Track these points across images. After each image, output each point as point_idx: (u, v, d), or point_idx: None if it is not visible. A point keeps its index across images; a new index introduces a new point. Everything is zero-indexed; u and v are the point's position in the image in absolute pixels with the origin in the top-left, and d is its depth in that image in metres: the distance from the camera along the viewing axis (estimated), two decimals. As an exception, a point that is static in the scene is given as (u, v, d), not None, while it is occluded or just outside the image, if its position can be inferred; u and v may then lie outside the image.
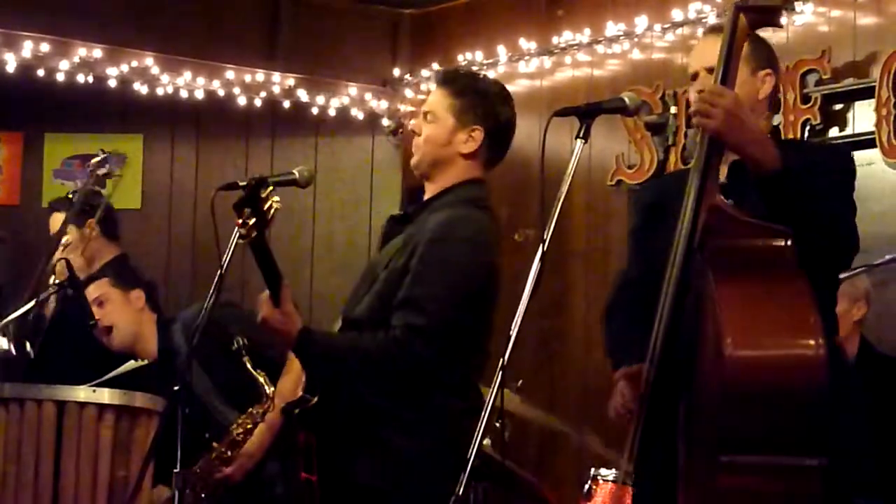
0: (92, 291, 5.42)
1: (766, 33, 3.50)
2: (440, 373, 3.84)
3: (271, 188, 3.59)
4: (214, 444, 4.95)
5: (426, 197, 4.03)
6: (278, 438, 5.00)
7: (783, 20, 3.40)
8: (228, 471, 4.96)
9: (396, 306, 3.82)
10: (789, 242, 3.10)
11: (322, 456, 3.89)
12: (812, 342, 2.94)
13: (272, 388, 4.75)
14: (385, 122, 7.60)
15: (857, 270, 4.91)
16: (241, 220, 3.57)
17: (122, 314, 5.38)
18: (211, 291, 3.79)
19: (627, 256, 3.73)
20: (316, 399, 3.88)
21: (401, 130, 7.70)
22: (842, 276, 4.74)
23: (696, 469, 3.09)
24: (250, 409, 4.90)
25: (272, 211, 3.58)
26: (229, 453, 4.94)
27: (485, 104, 4.00)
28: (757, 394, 2.91)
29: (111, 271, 5.55)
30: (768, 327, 2.97)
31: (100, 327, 5.37)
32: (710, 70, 3.47)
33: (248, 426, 4.91)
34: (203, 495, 4.93)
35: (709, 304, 3.04)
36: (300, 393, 3.97)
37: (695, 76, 3.55)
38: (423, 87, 7.59)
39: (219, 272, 3.73)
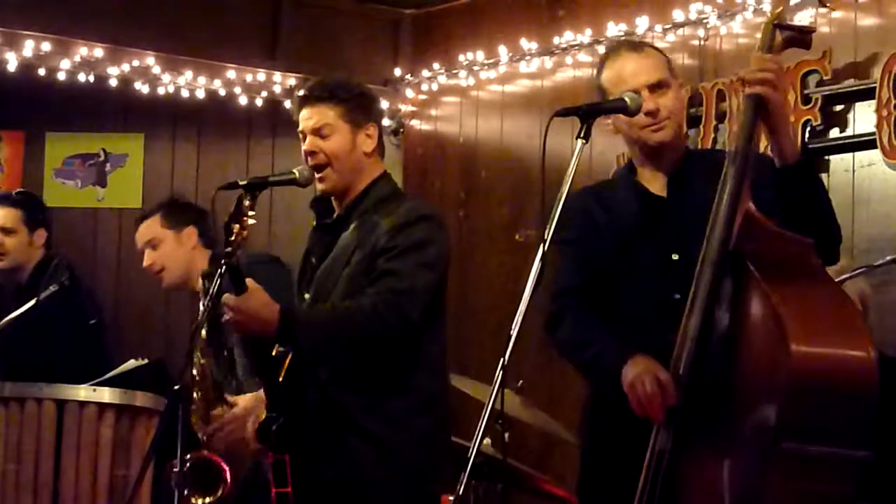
0: (144, 233, 5.33)
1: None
2: (421, 350, 3.90)
3: (248, 202, 3.65)
4: (195, 394, 4.78)
5: (338, 204, 4.10)
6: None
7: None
8: (214, 426, 4.77)
9: (374, 280, 3.87)
10: (814, 251, 3.21)
11: (299, 468, 3.88)
12: (867, 341, 3.08)
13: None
14: (386, 121, 7.60)
15: (858, 271, 4.90)
16: (232, 240, 3.63)
17: (173, 255, 5.29)
18: (213, 286, 3.78)
19: (561, 266, 3.72)
20: (282, 418, 3.88)
21: (402, 130, 7.71)
22: (843, 277, 4.76)
23: (734, 461, 3.14)
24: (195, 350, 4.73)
25: (247, 230, 3.66)
26: (204, 395, 4.75)
27: (366, 101, 4.13)
28: (820, 389, 3.01)
29: (163, 208, 5.45)
30: (827, 325, 3.08)
31: (152, 270, 5.30)
32: (652, 87, 3.57)
33: (200, 364, 4.72)
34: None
35: (758, 303, 3.11)
36: (263, 415, 3.95)
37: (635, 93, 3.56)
38: (424, 86, 7.59)
39: (218, 271, 3.73)
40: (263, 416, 3.91)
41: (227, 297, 3.77)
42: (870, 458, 3.05)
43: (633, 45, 3.75)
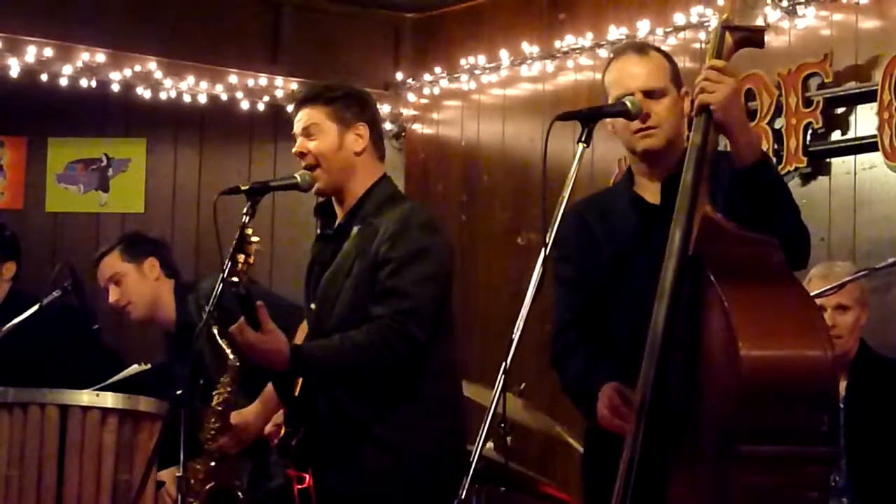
0: (106, 270, 5.35)
1: (766, 36, 3.49)
2: (430, 356, 3.91)
3: (251, 231, 3.67)
4: (204, 423, 4.84)
5: (340, 210, 4.10)
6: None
7: (778, 36, 3.45)
8: (222, 441, 4.82)
9: (376, 299, 3.87)
10: (777, 249, 3.20)
11: (317, 480, 3.90)
12: (822, 341, 3.05)
13: (234, 357, 4.65)
14: (387, 125, 7.60)
15: (860, 274, 4.91)
16: (238, 270, 3.64)
17: (138, 288, 5.32)
18: (214, 296, 3.78)
19: (557, 297, 3.74)
20: (301, 432, 3.89)
21: (403, 134, 7.71)
22: (845, 279, 4.77)
23: (702, 468, 3.14)
24: (221, 379, 4.80)
25: (254, 255, 3.68)
26: (218, 424, 4.84)
27: (356, 101, 4.12)
28: (772, 390, 3.00)
29: (121, 243, 5.46)
30: (779, 327, 3.06)
31: (118, 305, 5.32)
32: (647, 94, 3.56)
33: (225, 395, 4.79)
34: (213, 465, 4.83)
35: (714, 308, 3.10)
36: (282, 430, 3.97)
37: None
38: (426, 90, 7.60)
39: (220, 276, 3.74)
40: (283, 432, 3.94)
41: (243, 331, 3.78)
42: (833, 453, 3.07)
43: (639, 48, 3.72)
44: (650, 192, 3.61)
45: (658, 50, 3.76)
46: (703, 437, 3.14)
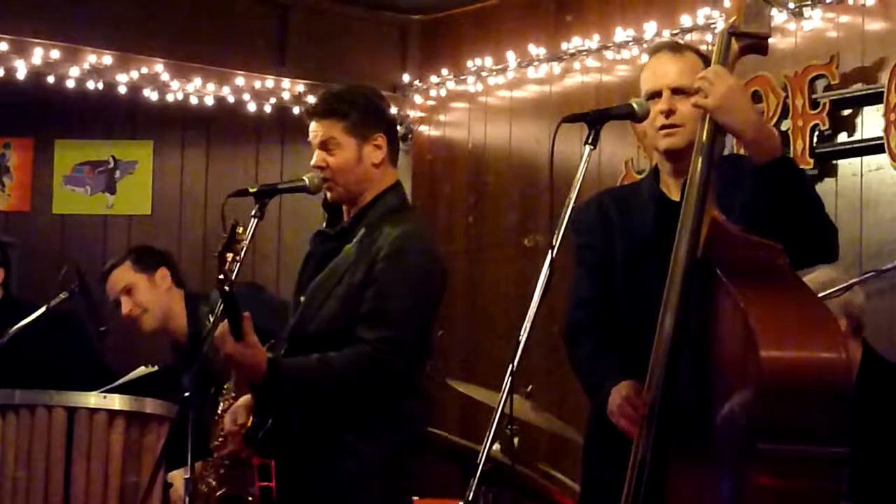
0: (118, 280, 5.33)
1: (772, 38, 3.49)
2: (407, 380, 3.91)
3: (242, 230, 3.65)
4: (213, 430, 4.84)
5: (348, 212, 4.09)
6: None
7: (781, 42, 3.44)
8: (231, 446, 4.81)
9: (362, 319, 3.85)
10: (782, 253, 3.20)
11: (282, 473, 3.89)
12: (836, 342, 3.08)
13: None
14: (395, 127, 7.61)
15: (867, 276, 4.90)
16: (226, 267, 3.64)
17: (151, 297, 5.30)
18: (219, 303, 3.78)
19: (578, 274, 3.74)
20: (270, 422, 3.88)
21: (410, 136, 7.72)
22: (852, 282, 4.75)
23: (710, 469, 3.15)
24: (226, 385, 4.79)
25: (243, 252, 3.67)
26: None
27: (372, 111, 4.07)
28: (792, 391, 3.01)
29: (131, 255, 5.45)
30: (796, 329, 3.09)
31: (131, 315, 5.30)
32: (674, 91, 3.54)
33: (230, 401, 4.79)
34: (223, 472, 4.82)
35: (727, 309, 3.11)
36: (250, 419, 3.96)
37: (657, 94, 3.57)
38: (433, 92, 7.60)
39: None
40: (250, 422, 3.94)
41: (224, 340, 3.76)
42: (848, 454, 3.05)
43: (675, 46, 3.70)
44: (673, 189, 3.60)
45: (697, 52, 3.72)
46: (716, 438, 3.14)
